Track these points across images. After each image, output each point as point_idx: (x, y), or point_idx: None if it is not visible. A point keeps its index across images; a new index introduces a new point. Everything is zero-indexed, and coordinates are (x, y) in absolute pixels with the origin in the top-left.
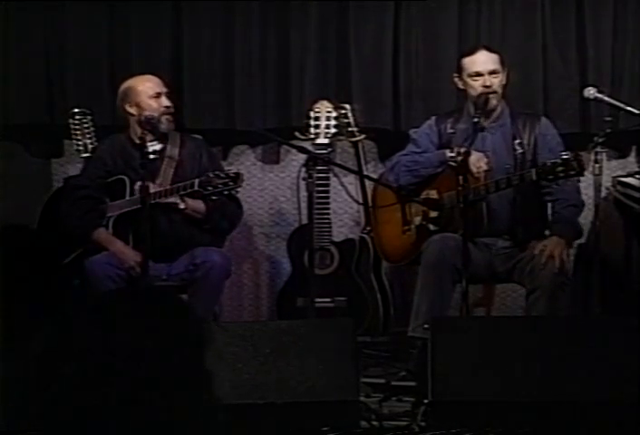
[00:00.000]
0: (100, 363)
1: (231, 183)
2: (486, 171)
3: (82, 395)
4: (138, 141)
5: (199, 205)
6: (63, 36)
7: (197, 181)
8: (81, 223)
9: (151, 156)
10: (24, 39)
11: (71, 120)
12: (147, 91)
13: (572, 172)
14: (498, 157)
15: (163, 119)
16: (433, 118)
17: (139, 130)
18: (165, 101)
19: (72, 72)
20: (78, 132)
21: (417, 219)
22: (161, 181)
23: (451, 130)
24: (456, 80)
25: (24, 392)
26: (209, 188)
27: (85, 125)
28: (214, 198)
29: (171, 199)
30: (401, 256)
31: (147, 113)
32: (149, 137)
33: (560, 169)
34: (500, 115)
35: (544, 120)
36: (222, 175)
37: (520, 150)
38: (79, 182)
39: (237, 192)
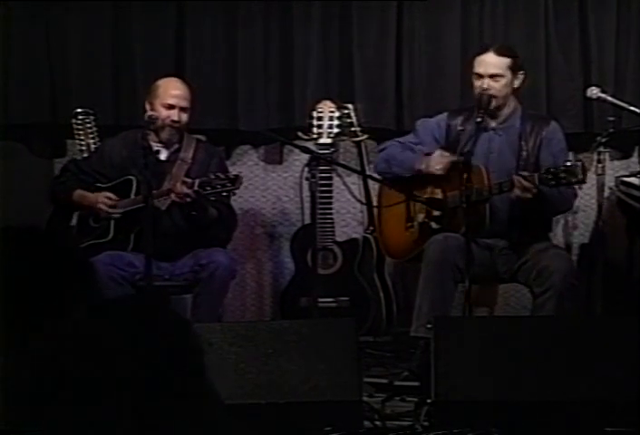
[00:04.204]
0: (98, 364)
1: (229, 184)
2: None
3: (82, 395)
4: (152, 143)
5: (212, 210)
6: (65, 36)
7: (197, 181)
8: (61, 187)
9: (161, 157)
10: (27, 39)
11: (73, 120)
12: (164, 98)
13: (574, 180)
14: (502, 158)
15: (166, 129)
16: (446, 113)
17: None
18: (175, 116)
19: (75, 71)
20: (81, 132)
21: (420, 217)
22: (171, 184)
23: (461, 128)
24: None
25: (25, 392)
26: (208, 188)
27: (88, 125)
28: (212, 199)
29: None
30: (402, 253)
31: (150, 114)
32: (157, 137)
33: (563, 175)
34: (510, 117)
35: (553, 123)
36: (222, 176)
37: (524, 153)
38: (74, 164)
39: (235, 194)
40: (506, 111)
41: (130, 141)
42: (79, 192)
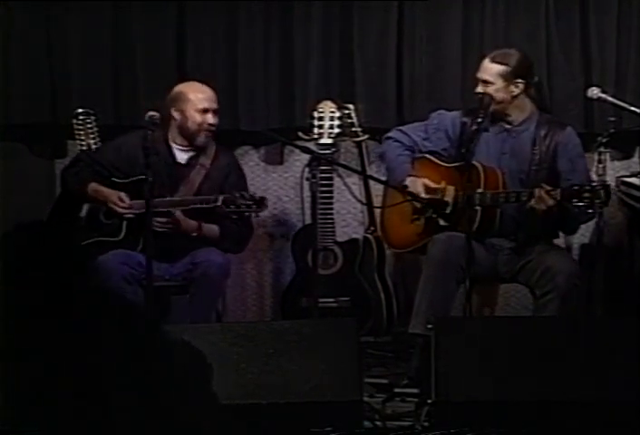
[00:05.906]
0: (99, 364)
1: (254, 206)
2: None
3: (82, 395)
4: (172, 144)
5: (214, 230)
6: (65, 36)
7: (221, 198)
8: (75, 178)
9: (181, 161)
10: (28, 39)
11: (74, 121)
12: (196, 103)
13: (597, 201)
14: (514, 160)
15: (202, 134)
16: (461, 111)
17: (177, 135)
18: (210, 119)
19: (75, 71)
20: (82, 133)
21: (429, 211)
22: (187, 188)
23: (476, 126)
24: None
25: (24, 392)
26: (232, 206)
27: (89, 125)
28: (234, 217)
29: (191, 224)
30: (405, 244)
31: (152, 114)
32: (183, 142)
33: (586, 195)
34: (525, 121)
35: (569, 129)
36: (247, 196)
37: (537, 156)
38: (86, 155)
39: (259, 216)
40: (520, 116)
41: (149, 142)
42: (94, 186)
